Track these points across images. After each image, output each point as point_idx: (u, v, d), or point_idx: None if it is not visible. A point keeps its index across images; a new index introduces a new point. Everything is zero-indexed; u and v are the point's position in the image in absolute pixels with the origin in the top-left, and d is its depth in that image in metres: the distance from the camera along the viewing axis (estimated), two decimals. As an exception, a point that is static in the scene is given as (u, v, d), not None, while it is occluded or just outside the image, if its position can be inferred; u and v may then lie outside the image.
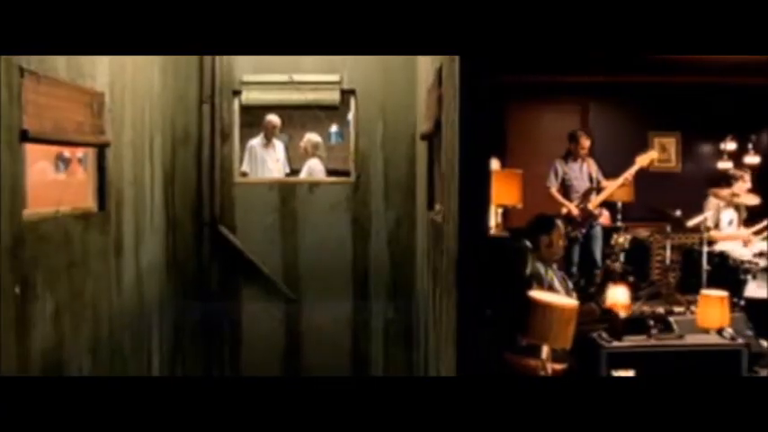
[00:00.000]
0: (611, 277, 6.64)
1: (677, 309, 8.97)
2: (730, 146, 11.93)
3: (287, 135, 10.49)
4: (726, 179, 9.44)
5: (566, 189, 9.92)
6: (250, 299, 6.30)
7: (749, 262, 8.70)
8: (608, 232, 11.43)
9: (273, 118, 8.24)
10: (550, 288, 6.05)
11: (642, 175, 11.82)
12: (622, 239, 6.78)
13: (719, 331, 5.66)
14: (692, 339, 5.58)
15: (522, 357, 5.33)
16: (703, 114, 12.07)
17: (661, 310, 9.24)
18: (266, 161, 8.44)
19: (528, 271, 5.95)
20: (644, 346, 5.49)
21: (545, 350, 5.03)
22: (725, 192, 9.13)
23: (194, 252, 6.13)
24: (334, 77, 6.22)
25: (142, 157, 5.03)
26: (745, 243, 9.06)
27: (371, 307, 6.29)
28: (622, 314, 5.92)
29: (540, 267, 6.14)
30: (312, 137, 8.72)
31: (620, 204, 11.12)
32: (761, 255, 8.70)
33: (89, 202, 4.14)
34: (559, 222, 6.36)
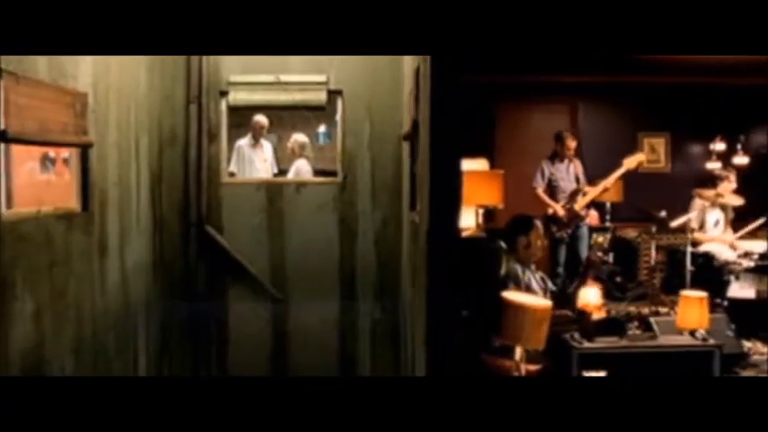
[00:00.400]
0: (591, 270, 6.63)
1: (662, 309, 9.01)
2: (719, 146, 11.97)
3: (276, 135, 10.50)
4: (712, 180, 9.47)
5: (552, 189, 9.94)
6: (237, 299, 6.31)
7: (733, 263, 8.72)
8: (596, 232, 11.45)
9: (261, 118, 8.24)
10: (528, 289, 6.05)
11: (631, 175, 11.84)
12: (602, 239, 6.79)
13: (693, 333, 5.68)
14: (665, 341, 5.60)
15: (497, 358, 5.33)
16: (692, 115, 12.10)
17: (646, 310, 9.29)
18: (254, 161, 8.45)
19: (503, 271, 5.96)
20: (615, 347, 5.50)
21: (518, 351, 5.03)
22: (709, 192, 9.16)
23: (181, 252, 6.13)
24: (320, 78, 6.22)
25: (128, 158, 5.03)
26: (732, 245, 9.09)
27: (358, 307, 6.30)
28: (595, 315, 5.96)
29: (518, 268, 6.14)
30: (299, 137, 8.72)
31: (608, 205, 11.15)
32: (746, 255, 8.72)
33: (72, 202, 4.14)
34: (538, 223, 6.36)
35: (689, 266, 8.86)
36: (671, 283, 9.23)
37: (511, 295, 5.18)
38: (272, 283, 6.26)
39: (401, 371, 6.24)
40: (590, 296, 5.85)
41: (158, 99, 5.76)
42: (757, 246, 9.11)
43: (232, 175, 7.47)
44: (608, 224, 10.15)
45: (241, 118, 9.26)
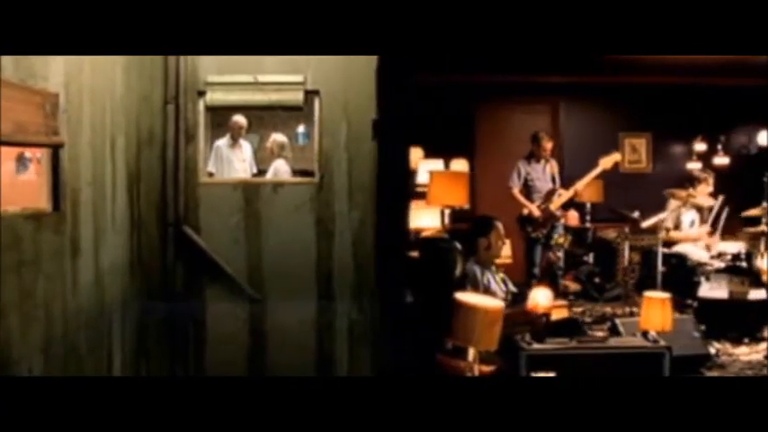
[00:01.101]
0: (551, 269, 6.66)
1: (636, 310, 9.03)
2: (700, 147, 12.03)
3: (258, 135, 10.53)
4: (690, 180, 9.51)
5: (528, 189, 9.98)
6: (214, 299, 6.30)
7: (705, 263, 8.75)
8: (576, 233, 11.50)
9: (240, 119, 8.28)
10: (486, 290, 6.08)
11: (613, 175, 11.92)
12: (562, 239, 6.81)
13: (645, 334, 5.71)
14: (615, 342, 5.62)
15: (452, 359, 5.35)
16: (674, 115, 12.21)
17: (619, 311, 9.32)
18: (232, 161, 8.49)
19: (458, 272, 5.98)
20: (564, 348, 5.51)
21: (471, 352, 5.04)
22: (682, 192, 9.20)
23: (159, 252, 6.13)
24: (297, 78, 6.22)
25: (103, 158, 5.02)
26: (708, 246, 9.12)
27: (336, 307, 6.30)
28: (556, 315, 5.99)
29: (476, 269, 6.16)
30: (278, 137, 8.75)
31: (588, 205, 11.19)
32: (719, 256, 8.74)
33: (42, 202, 4.15)
34: (499, 224, 6.39)
35: (660, 267, 8.90)
36: (645, 283, 9.27)
37: (463, 296, 5.20)
38: (250, 283, 6.26)
39: (378, 371, 6.26)
40: (539, 297, 5.87)
41: (136, 99, 5.75)
42: (732, 246, 9.14)
43: (211, 175, 7.50)
44: (588, 224, 10.18)
45: (222, 118, 9.29)
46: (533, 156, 10.52)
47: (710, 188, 9.75)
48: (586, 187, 11.86)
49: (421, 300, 6.29)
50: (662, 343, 5.63)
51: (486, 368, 5.51)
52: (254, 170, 9.50)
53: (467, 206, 7.98)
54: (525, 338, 5.54)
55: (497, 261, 10.55)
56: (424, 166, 8.90)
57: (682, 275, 9.07)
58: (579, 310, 10.40)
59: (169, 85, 6.12)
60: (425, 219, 7.74)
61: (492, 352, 5.38)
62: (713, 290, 8.72)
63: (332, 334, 6.31)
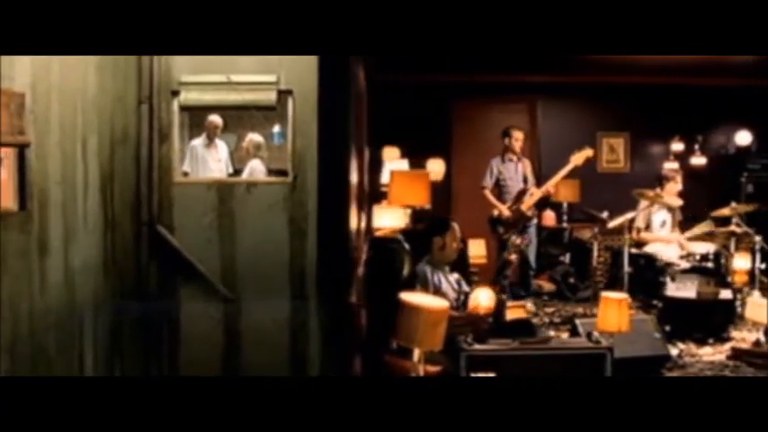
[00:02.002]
0: (504, 268, 6.68)
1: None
2: (677, 146, 12.10)
3: (236, 135, 10.53)
4: (659, 180, 9.56)
5: (500, 189, 9.99)
6: (189, 298, 6.31)
7: (673, 264, 8.77)
8: (553, 233, 11.54)
9: (215, 118, 8.30)
10: (437, 291, 6.09)
11: (590, 175, 11.97)
12: (519, 240, 6.82)
13: (589, 335, 5.74)
14: (558, 344, 5.65)
15: (398, 359, 5.36)
16: (652, 115, 12.24)
17: (589, 311, 9.34)
18: (208, 161, 8.50)
19: (406, 272, 5.99)
20: (505, 349, 5.52)
21: (417, 352, 5.05)
22: (650, 192, 9.25)
23: (133, 252, 6.13)
24: (271, 78, 6.22)
25: (73, 158, 5.01)
26: (681, 246, 9.15)
27: (309, 306, 6.31)
28: (512, 316, 6.01)
29: (427, 269, 6.17)
30: (254, 137, 8.77)
31: (565, 205, 11.22)
32: (688, 256, 8.78)
33: (8, 201, 4.14)
34: (454, 225, 6.40)
35: (626, 267, 8.94)
36: (615, 283, 9.31)
37: (407, 296, 5.20)
38: (223, 282, 6.26)
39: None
40: (481, 298, 5.89)
41: (110, 99, 5.73)
42: (701, 247, 9.17)
43: (186, 174, 7.50)
44: (564, 224, 10.21)
45: (200, 118, 9.29)
46: (506, 154, 10.54)
47: (679, 187, 9.79)
48: (562, 186, 11.91)
49: (370, 299, 6.30)
50: (604, 344, 5.66)
51: (433, 368, 5.53)
52: (231, 170, 9.52)
53: (428, 206, 7.99)
54: (467, 339, 5.56)
55: (473, 261, 10.64)
56: (388, 166, 8.90)
57: (650, 276, 9.12)
58: (550, 310, 10.47)
59: (143, 85, 6.13)
60: (386, 218, 7.74)
61: (438, 352, 5.41)
62: (680, 290, 8.76)
63: (305, 333, 6.32)
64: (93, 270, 5.43)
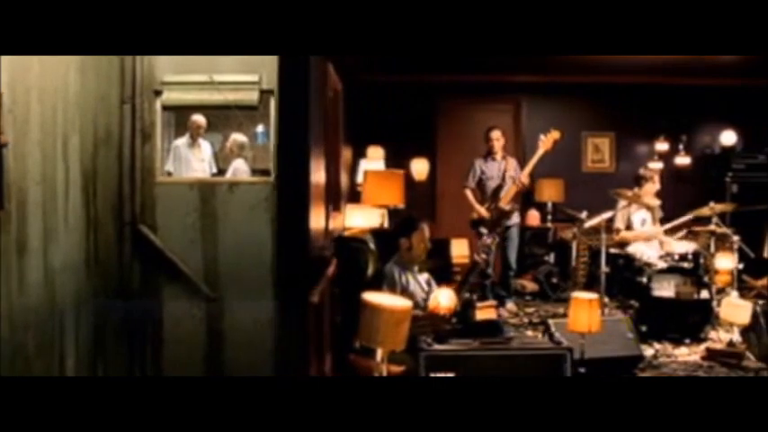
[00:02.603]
0: (474, 269, 6.70)
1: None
2: (662, 146, 12.13)
3: (221, 135, 10.53)
4: (636, 179, 9.58)
5: (482, 189, 9.98)
6: (171, 298, 6.32)
7: (652, 264, 8.78)
8: (537, 233, 11.55)
9: (198, 118, 8.29)
10: (404, 291, 6.09)
11: (576, 175, 11.98)
12: (490, 241, 6.84)
13: (551, 336, 5.76)
14: (519, 344, 5.66)
15: (362, 359, 5.37)
16: (638, 115, 12.25)
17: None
18: (191, 161, 8.49)
19: (370, 272, 5.99)
20: (464, 349, 5.53)
21: (380, 352, 5.05)
22: (628, 192, 9.26)
23: (116, 251, 6.13)
24: (253, 78, 6.22)
25: (53, 158, 5.01)
26: (662, 245, 9.15)
27: (270, 307, 6.30)
28: (483, 316, 6.02)
29: (395, 269, 6.18)
30: (238, 137, 8.77)
31: (550, 205, 11.23)
32: (667, 256, 8.78)
33: (-15, 201, 4.14)
34: (423, 225, 6.41)
35: (603, 267, 8.96)
36: (594, 283, 9.33)
37: (369, 296, 5.20)
38: (206, 282, 6.27)
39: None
40: (441, 298, 5.90)
41: (93, 99, 5.73)
42: (682, 246, 9.18)
43: (169, 174, 7.51)
44: (549, 224, 10.22)
45: (185, 118, 9.28)
46: (489, 153, 10.55)
47: (657, 187, 9.81)
48: (546, 186, 11.96)
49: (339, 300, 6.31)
50: (564, 344, 5.68)
51: (397, 368, 5.54)
52: (214, 170, 9.52)
53: (401, 205, 8.00)
54: (426, 339, 5.57)
55: (456, 261, 10.64)
56: (363, 166, 8.92)
57: (628, 276, 9.14)
58: (531, 310, 10.50)
59: (126, 85, 6.14)
60: (359, 218, 7.76)
61: (402, 352, 5.42)
62: (657, 290, 8.79)
63: (266, 333, 6.31)
64: (75, 270, 5.43)
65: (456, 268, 11.01)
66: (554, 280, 10.76)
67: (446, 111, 12.77)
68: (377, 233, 7.13)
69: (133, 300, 6.17)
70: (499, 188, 10.25)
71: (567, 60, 10.88)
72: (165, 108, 6.43)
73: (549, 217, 11.36)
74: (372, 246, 6.42)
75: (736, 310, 8.75)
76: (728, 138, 12.66)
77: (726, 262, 9.44)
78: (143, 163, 6.23)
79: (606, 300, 9.37)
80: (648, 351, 8.36)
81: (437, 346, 5.55)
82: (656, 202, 9.70)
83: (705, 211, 9.43)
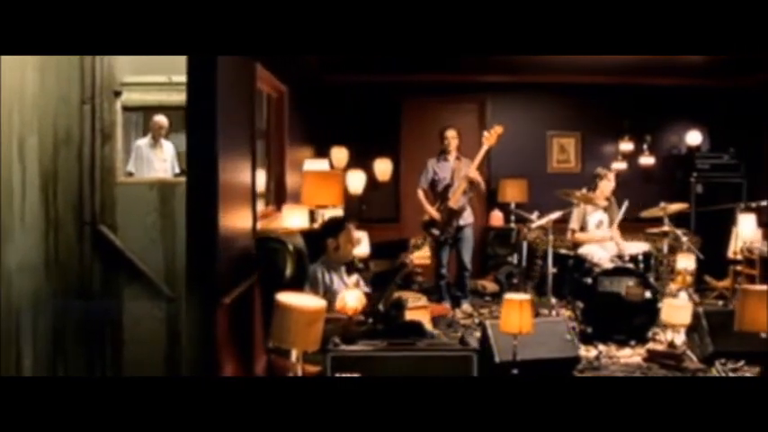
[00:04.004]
0: (400, 270, 6.73)
1: (543, 311, 9.09)
2: (626, 146, 12.19)
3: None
4: (592, 179, 9.60)
5: (434, 190, 9.99)
6: (132, 298, 6.32)
7: (601, 264, 8.81)
8: (500, 233, 11.59)
9: (160, 118, 8.30)
10: (327, 291, 6.12)
11: (541, 175, 12.03)
12: (420, 241, 6.88)
13: (462, 338, 5.79)
14: (426, 345, 5.68)
15: (281, 359, 5.39)
16: (603, 115, 12.30)
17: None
18: (152, 161, 8.49)
19: (289, 272, 5.99)
20: (370, 350, 5.54)
21: (294, 352, 5.08)
22: (577, 192, 9.29)
23: (77, 251, 6.13)
24: (212, 78, 6.24)
25: (9, 158, 5.02)
26: (617, 246, 9.17)
27: (180, 306, 6.31)
28: (410, 317, 6.03)
29: (319, 269, 6.20)
30: (159, 118, 8.76)
31: (513, 205, 11.26)
32: (619, 257, 8.80)
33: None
34: (350, 226, 6.44)
35: (550, 268, 8.99)
36: (544, 284, 9.35)
37: (282, 296, 5.23)
38: (166, 282, 6.27)
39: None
40: (348, 298, 5.93)
41: (53, 100, 5.74)
42: (635, 247, 9.22)
43: (131, 174, 7.51)
44: (513, 225, 10.23)
45: (151, 118, 9.26)
46: (442, 154, 10.57)
47: (612, 184, 9.84)
48: (509, 187, 12.00)
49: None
50: (471, 346, 5.72)
51: (313, 369, 5.56)
52: (177, 170, 9.50)
53: (339, 205, 8.03)
54: (334, 340, 5.60)
55: (418, 261, 10.65)
56: (307, 166, 8.95)
57: (577, 276, 9.16)
58: (486, 310, 10.53)
59: (85, 86, 6.13)
60: (295, 219, 7.77)
61: (319, 352, 5.45)
62: (603, 291, 8.80)
63: (176, 333, 6.31)
64: (33, 270, 5.44)
65: (417, 269, 11.05)
66: (514, 280, 10.80)
67: (411, 110, 12.79)
68: (303, 234, 7.14)
69: (93, 300, 6.16)
70: (449, 188, 10.26)
71: (532, 60, 10.92)
72: (126, 109, 6.43)
73: (513, 217, 11.40)
74: (292, 246, 6.42)
75: (676, 311, 8.79)
76: (694, 138, 12.73)
77: (686, 262, 9.47)
78: (103, 163, 6.23)
79: (554, 301, 9.43)
80: (592, 352, 8.40)
81: (344, 347, 5.57)
82: (605, 203, 9.73)
83: (656, 211, 9.46)
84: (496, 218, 12.26)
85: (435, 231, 10.15)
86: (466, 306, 10.51)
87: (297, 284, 6.37)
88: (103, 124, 6.24)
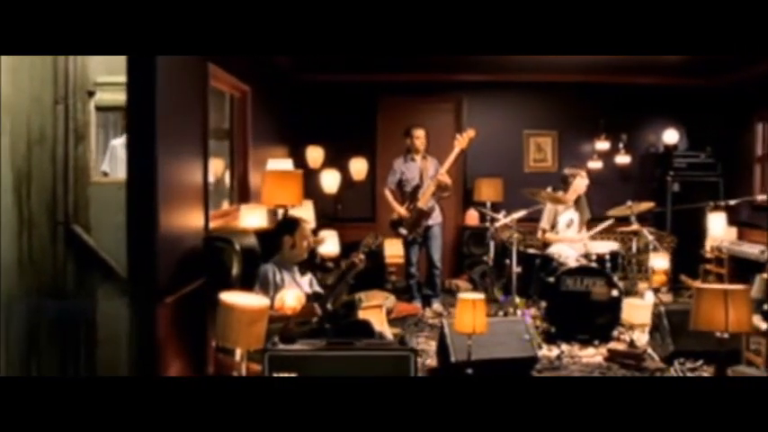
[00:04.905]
0: (350, 271, 6.76)
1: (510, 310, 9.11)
2: (602, 146, 12.24)
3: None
4: (563, 179, 9.62)
5: (402, 190, 10.01)
6: (106, 298, 6.29)
7: (566, 264, 8.83)
8: (475, 232, 11.63)
9: (134, 118, 8.22)
10: (277, 290, 6.14)
11: (517, 174, 12.07)
12: (371, 240, 6.89)
13: (401, 339, 5.81)
14: (363, 345, 5.69)
15: (228, 358, 5.42)
16: (580, 113, 12.34)
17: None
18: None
19: (235, 272, 6.01)
20: (307, 350, 5.56)
21: (238, 351, 5.11)
22: (543, 192, 9.32)
23: (50, 251, 6.12)
24: (183, 78, 6.27)
25: (-21, 159, 5.03)
26: (586, 246, 9.19)
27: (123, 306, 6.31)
28: (363, 316, 6.02)
29: (270, 268, 6.22)
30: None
31: (489, 204, 11.29)
32: (585, 257, 8.83)
33: None
34: (304, 224, 6.46)
35: (515, 267, 9.02)
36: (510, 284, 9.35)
37: (225, 295, 5.27)
38: (139, 282, 6.27)
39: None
40: (287, 298, 5.96)
41: (26, 100, 5.74)
42: (604, 246, 9.24)
43: (106, 174, 7.47)
44: (488, 224, 10.25)
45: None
46: (409, 153, 10.60)
47: (586, 180, 9.88)
48: (484, 186, 12.03)
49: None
50: (408, 346, 5.75)
51: (257, 367, 5.59)
52: (153, 169, 9.46)
53: (299, 205, 8.04)
54: (273, 339, 5.63)
55: (390, 261, 10.69)
56: (271, 165, 8.97)
57: (542, 276, 9.18)
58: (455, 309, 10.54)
59: (58, 86, 6.12)
60: (254, 218, 7.79)
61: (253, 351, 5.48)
62: (567, 290, 8.80)
63: (116, 333, 6.31)
64: (6, 269, 5.44)
65: (390, 268, 11.09)
66: (488, 280, 10.83)
67: (387, 110, 12.80)
68: (258, 233, 7.16)
69: (67, 300, 6.15)
70: (418, 188, 10.30)
71: (509, 59, 10.95)
72: (99, 109, 6.42)
73: (489, 217, 11.43)
74: (238, 245, 6.44)
75: (636, 310, 8.84)
76: (671, 136, 12.77)
77: (660, 261, 9.51)
78: (76, 163, 6.22)
79: (518, 300, 9.46)
80: (554, 352, 8.44)
81: (282, 347, 5.60)
82: (567, 202, 9.76)
83: (623, 210, 9.51)
84: (472, 217, 12.30)
85: (403, 231, 10.19)
86: (437, 305, 10.53)
87: (248, 284, 6.41)
88: (77, 124, 6.23)
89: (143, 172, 5.28)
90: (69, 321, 6.19)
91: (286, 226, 6.85)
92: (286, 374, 5.37)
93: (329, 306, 6.41)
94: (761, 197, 10.50)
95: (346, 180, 11.83)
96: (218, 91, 8.30)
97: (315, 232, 9.27)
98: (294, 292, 6.27)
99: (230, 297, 5.35)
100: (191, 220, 6.27)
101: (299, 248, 6.73)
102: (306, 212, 9.01)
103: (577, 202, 9.91)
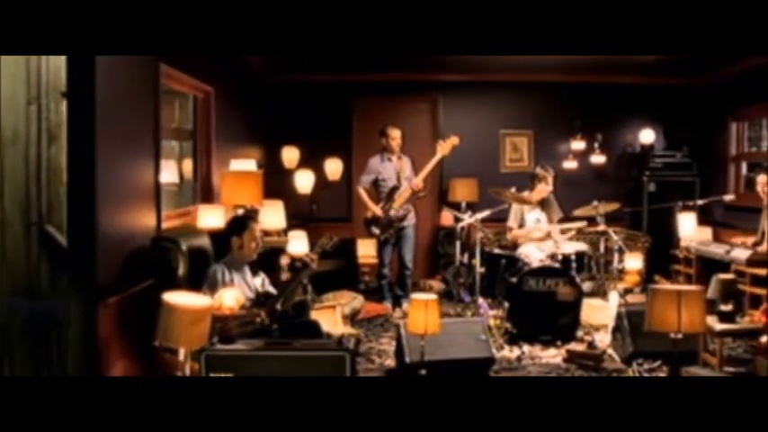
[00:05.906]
0: (303, 270, 6.79)
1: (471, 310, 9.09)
2: (578, 145, 12.29)
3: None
4: (531, 179, 9.65)
5: (378, 190, 10.01)
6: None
7: (530, 264, 8.84)
8: (450, 232, 11.64)
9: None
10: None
11: (493, 174, 12.10)
12: (326, 240, 6.92)
13: (340, 339, 5.83)
14: (301, 345, 5.73)
15: (173, 357, 5.44)
16: (556, 113, 12.39)
17: (452, 311, 9.28)
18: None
19: (181, 272, 6.03)
20: (244, 350, 5.60)
21: (182, 351, 5.14)
22: (507, 192, 9.34)
23: (23, 252, 6.12)
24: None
25: (-49, 159, 5.02)
26: (556, 245, 9.18)
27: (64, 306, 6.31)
28: (315, 317, 6.01)
29: (218, 269, 6.26)
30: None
31: (464, 205, 11.32)
32: (552, 257, 8.85)
33: None
34: (253, 224, 6.50)
35: (479, 267, 9.03)
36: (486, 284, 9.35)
37: (168, 295, 5.29)
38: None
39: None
40: (225, 298, 6.00)
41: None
42: (572, 246, 9.26)
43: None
44: (462, 224, 10.27)
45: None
46: (385, 153, 10.61)
47: (550, 188, 9.92)
48: (459, 186, 12.06)
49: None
50: (345, 346, 5.79)
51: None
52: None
53: (259, 206, 8.06)
54: (212, 339, 5.65)
55: (363, 261, 10.69)
56: (233, 166, 8.98)
57: (507, 276, 9.19)
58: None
59: (31, 86, 6.10)
60: (211, 218, 7.80)
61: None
62: (530, 291, 8.82)
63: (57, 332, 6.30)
64: (-21, 269, 5.44)
65: (364, 268, 11.11)
66: (461, 280, 10.84)
67: (363, 110, 12.83)
68: (210, 234, 7.18)
69: (40, 300, 6.14)
70: (395, 189, 10.33)
71: (485, 59, 10.99)
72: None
73: (455, 217, 11.47)
74: (185, 246, 6.46)
75: (595, 311, 8.88)
76: (647, 136, 12.84)
77: (633, 262, 9.54)
78: (49, 164, 6.20)
79: (481, 300, 9.48)
80: (515, 353, 8.48)
81: (219, 346, 5.62)
82: (531, 202, 9.78)
83: (589, 210, 9.53)
84: (447, 217, 12.33)
85: (376, 230, 10.22)
86: (406, 305, 10.55)
87: (197, 284, 6.43)
88: (50, 125, 6.21)
89: (82, 172, 5.29)
90: (42, 321, 6.18)
91: (234, 226, 6.88)
92: (223, 374, 5.40)
93: (278, 306, 6.44)
94: (728, 197, 10.59)
95: (321, 180, 11.86)
96: (183, 91, 8.33)
97: (285, 232, 9.29)
98: (232, 292, 6.29)
99: (172, 297, 5.37)
100: (139, 220, 6.27)
101: (248, 249, 6.78)
102: (275, 213, 9.02)
103: (543, 202, 9.95)
